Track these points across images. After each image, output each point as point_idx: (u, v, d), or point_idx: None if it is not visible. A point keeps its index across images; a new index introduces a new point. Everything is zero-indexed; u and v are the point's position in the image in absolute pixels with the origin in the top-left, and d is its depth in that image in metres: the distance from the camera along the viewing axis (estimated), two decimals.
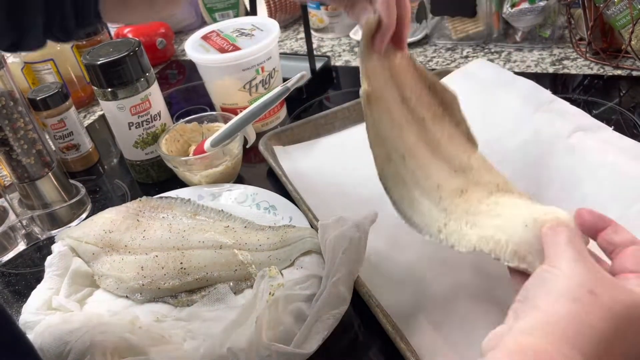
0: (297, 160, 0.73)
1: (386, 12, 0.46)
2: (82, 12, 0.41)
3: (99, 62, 0.68)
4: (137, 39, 0.72)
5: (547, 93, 0.72)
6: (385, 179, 0.49)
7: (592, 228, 0.36)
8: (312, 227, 0.59)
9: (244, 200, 0.67)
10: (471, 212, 0.45)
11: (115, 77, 0.69)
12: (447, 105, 0.52)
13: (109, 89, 0.70)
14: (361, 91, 0.49)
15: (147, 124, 0.73)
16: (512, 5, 0.88)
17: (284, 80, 0.75)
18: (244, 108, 0.71)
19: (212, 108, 0.87)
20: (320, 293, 0.48)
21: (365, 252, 0.51)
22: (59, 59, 0.98)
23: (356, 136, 0.77)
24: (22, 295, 0.63)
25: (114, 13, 0.46)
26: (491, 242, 0.41)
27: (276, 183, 0.71)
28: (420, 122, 0.51)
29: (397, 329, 0.47)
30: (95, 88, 0.71)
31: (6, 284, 0.66)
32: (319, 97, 0.91)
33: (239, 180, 0.74)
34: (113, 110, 0.71)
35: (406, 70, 0.52)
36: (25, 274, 0.67)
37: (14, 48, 0.38)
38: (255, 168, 0.77)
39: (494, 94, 0.75)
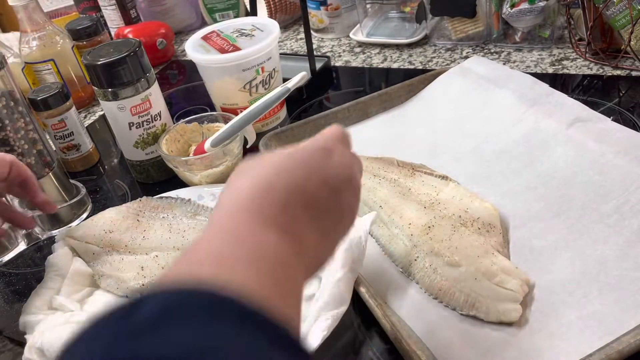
0: None
1: None
2: None
3: (99, 63, 0.68)
4: (138, 39, 0.72)
5: (545, 86, 0.72)
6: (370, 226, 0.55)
7: None
8: None
9: None
10: (435, 253, 0.53)
11: (115, 77, 0.69)
12: (416, 168, 0.64)
13: (110, 89, 0.70)
14: None
15: (147, 124, 0.73)
16: (512, 6, 0.88)
17: (284, 80, 0.75)
18: (244, 108, 0.71)
19: (212, 108, 0.87)
20: (320, 293, 0.49)
21: (365, 252, 0.51)
22: (60, 59, 0.98)
23: (355, 136, 0.77)
24: (22, 295, 0.63)
25: None
26: (447, 294, 0.49)
27: None
28: (392, 181, 0.63)
29: (396, 329, 0.47)
30: (96, 88, 0.71)
31: (6, 283, 0.66)
32: (319, 97, 0.91)
33: None
34: (113, 110, 0.71)
35: (373, 164, 0.66)
36: (26, 274, 0.67)
37: None
38: None
39: (492, 89, 0.75)
